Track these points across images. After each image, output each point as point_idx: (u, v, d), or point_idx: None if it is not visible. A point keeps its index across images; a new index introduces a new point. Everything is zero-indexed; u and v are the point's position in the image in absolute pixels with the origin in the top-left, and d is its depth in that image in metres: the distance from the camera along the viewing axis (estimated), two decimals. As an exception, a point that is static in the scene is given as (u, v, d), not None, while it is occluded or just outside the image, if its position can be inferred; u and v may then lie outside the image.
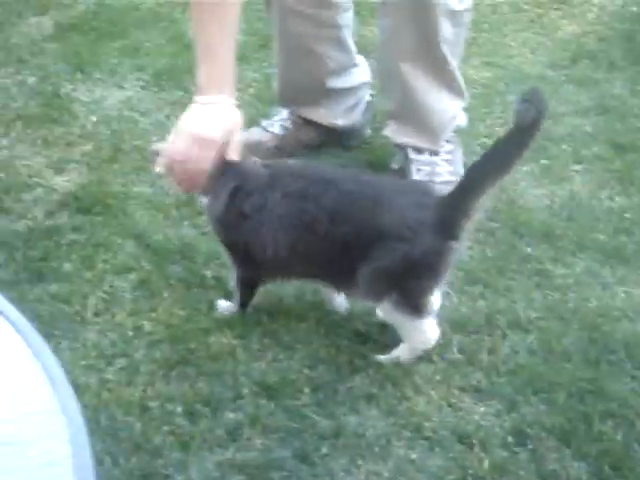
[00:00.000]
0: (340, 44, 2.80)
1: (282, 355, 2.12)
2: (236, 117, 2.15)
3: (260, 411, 1.97)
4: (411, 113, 2.68)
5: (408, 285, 2.04)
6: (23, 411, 0.95)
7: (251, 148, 2.56)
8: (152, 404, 1.98)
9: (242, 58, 3.24)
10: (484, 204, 2.03)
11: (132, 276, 2.34)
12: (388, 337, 2.15)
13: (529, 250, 2.44)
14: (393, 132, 2.74)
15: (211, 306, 2.25)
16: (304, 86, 2.82)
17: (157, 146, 2.21)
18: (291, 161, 2.70)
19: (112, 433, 1.89)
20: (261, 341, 2.16)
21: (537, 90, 2.05)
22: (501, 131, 2.88)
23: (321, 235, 2.06)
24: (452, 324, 2.19)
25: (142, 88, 3.12)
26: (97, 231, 2.47)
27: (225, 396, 2.01)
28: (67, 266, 2.36)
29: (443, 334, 2.16)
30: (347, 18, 2.80)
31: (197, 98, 2.13)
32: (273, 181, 2.12)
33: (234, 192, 2.13)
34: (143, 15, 3.55)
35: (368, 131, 2.93)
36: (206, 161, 2.10)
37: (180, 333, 2.17)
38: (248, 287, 2.23)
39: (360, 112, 2.91)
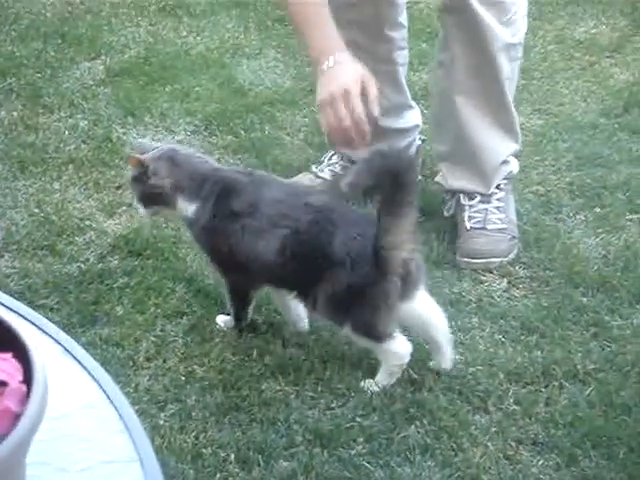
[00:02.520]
0: (395, 82, 2.78)
1: (335, 403, 2.10)
2: (363, 68, 2.21)
3: (314, 460, 1.94)
4: (463, 153, 2.66)
5: (357, 313, 2.09)
6: (98, 459, 0.94)
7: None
8: (205, 451, 1.96)
9: (292, 103, 3.27)
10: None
11: (183, 320, 2.33)
12: (444, 385, 2.12)
13: (585, 300, 2.40)
14: (444, 176, 2.72)
15: (263, 352, 2.23)
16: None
17: (137, 142, 2.29)
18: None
19: (164, 477, 1.87)
20: (314, 388, 2.13)
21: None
22: (554, 179, 2.88)
23: (295, 244, 2.11)
24: (508, 374, 2.16)
25: (192, 132, 3.13)
26: (148, 275, 2.46)
27: (278, 444, 1.99)
28: (119, 310, 2.35)
29: (498, 384, 2.13)
30: (403, 56, 2.79)
31: (322, 67, 2.19)
32: (257, 185, 2.19)
33: (222, 195, 2.18)
34: (193, 60, 3.57)
35: (418, 177, 2.91)
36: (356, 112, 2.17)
37: (232, 379, 2.15)
38: (239, 297, 2.26)
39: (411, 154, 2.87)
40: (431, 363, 2.19)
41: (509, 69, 2.58)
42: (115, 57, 3.56)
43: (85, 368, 1.08)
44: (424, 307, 2.15)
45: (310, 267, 2.11)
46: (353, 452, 1.97)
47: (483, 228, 2.60)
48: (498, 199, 2.67)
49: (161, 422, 2.03)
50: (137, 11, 3.91)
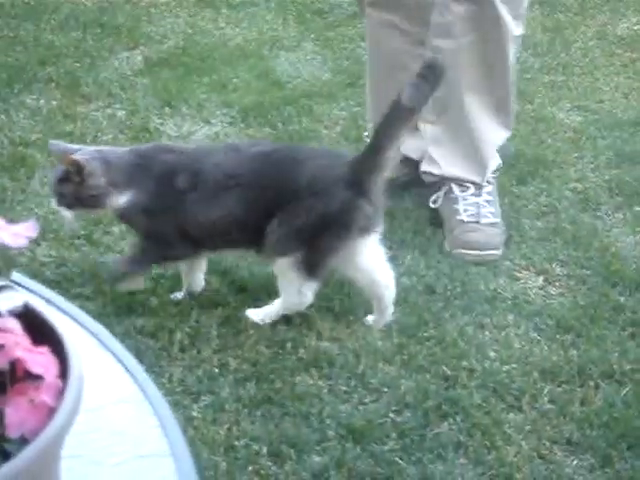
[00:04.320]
0: None
1: (368, 398, 2.09)
2: None
3: (346, 455, 1.94)
4: (463, 140, 2.65)
5: (317, 242, 2.17)
6: (132, 453, 0.94)
7: None
8: (237, 444, 1.96)
9: (329, 96, 3.26)
10: (391, 162, 2.19)
11: (217, 312, 2.33)
12: (477, 382, 2.11)
13: (622, 299, 2.38)
14: (436, 163, 2.68)
15: (296, 345, 2.23)
16: None
17: (55, 144, 2.28)
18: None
19: (197, 472, 1.87)
20: (347, 383, 2.13)
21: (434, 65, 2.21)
22: (592, 176, 2.85)
23: (250, 196, 2.18)
24: (542, 373, 2.15)
25: (229, 124, 3.13)
26: (184, 266, 2.47)
27: (311, 438, 1.98)
28: (154, 300, 2.35)
29: (533, 383, 2.11)
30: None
31: None
32: (191, 159, 2.24)
33: (162, 175, 2.21)
34: (231, 51, 3.57)
35: None
36: None
37: (265, 371, 2.15)
38: (159, 260, 2.35)
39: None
40: (369, 318, 2.27)
41: (514, 60, 2.61)
42: (153, 47, 3.57)
43: (120, 360, 1.09)
44: (373, 254, 2.23)
45: (271, 206, 2.18)
46: (386, 448, 1.96)
47: (477, 222, 2.59)
48: (488, 192, 2.66)
49: (194, 413, 2.03)
50: (176, 2, 3.92)
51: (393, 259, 2.51)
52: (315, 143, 2.98)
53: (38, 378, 0.77)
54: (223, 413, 2.04)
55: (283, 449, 1.95)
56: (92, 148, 2.31)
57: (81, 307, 1.96)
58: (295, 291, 2.24)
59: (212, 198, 2.20)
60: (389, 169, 2.20)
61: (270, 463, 1.92)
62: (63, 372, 0.79)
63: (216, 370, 2.16)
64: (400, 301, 2.36)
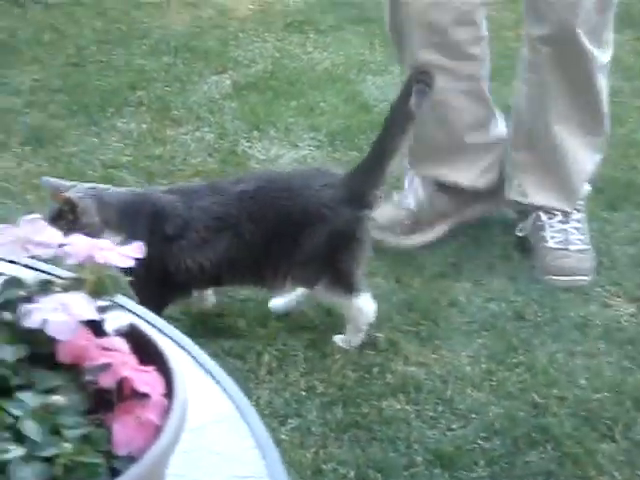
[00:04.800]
0: (479, 96, 2.68)
1: (456, 424, 2.07)
2: None
3: (434, 481, 1.92)
4: (554, 168, 2.62)
5: (337, 263, 2.20)
6: (230, 474, 0.94)
7: (385, 228, 2.57)
8: (324, 467, 1.96)
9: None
10: (389, 172, 2.25)
11: (305, 335, 2.34)
12: (568, 410, 2.08)
13: None
14: (523, 191, 2.65)
15: (383, 370, 2.22)
16: (440, 143, 2.69)
17: (47, 180, 2.25)
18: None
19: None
20: (435, 408, 2.11)
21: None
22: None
23: (245, 236, 2.19)
24: (636, 402, 2.11)
25: (316, 148, 3.14)
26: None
27: (398, 463, 1.97)
28: (241, 322, 2.37)
29: (626, 412, 2.07)
30: (485, 69, 2.69)
31: None
32: (185, 201, 2.22)
33: (151, 221, 2.19)
34: (319, 75, 3.59)
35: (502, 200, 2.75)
36: None
37: (352, 395, 2.15)
38: (161, 310, 2.24)
39: (497, 172, 2.75)
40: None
41: (605, 86, 2.57)
42: (242, 71, 3.60)
43: (217, 381, 1.09)
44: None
45: (275, 242, 2.20)
46: (474, 475, 1.94)
47: (566, 249, 2.56)
48: (577, 220, 2.63)
49: (282, 436, 2.03)
50: (264, 27, 3.95)
51: (480, 284, 2.50)
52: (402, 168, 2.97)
53: (144, 397, 0.78)
54: (310, 436, 2.04)
55: (370, 474, 1.95)
56: (87, 185, 2.25)
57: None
58: (350, 311, 2.26)
59: (203, 243, 2.20)
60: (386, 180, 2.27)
61: (358, 485, 1.91)
62: (168, 391, 0.80)
63: (303, 393, 2.16)
64: (488, 327, 2.35)
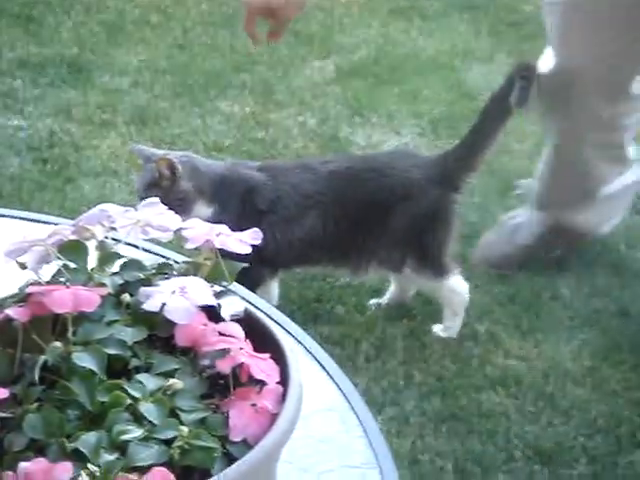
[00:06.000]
0: (621, 159, 2.50)
1: (557, 420, 2.04)
2: None
3: (533, 477, 1.89)
4: None
5: (424, 244, 2.18)
6: (338, 463, 0.93)
7: (492, 262, 2.49)
8: (422, 458, 1.95)
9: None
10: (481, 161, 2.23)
11: (404, 324, 2.32)
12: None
13: None
14: None
15: (483, 362, 2.20)
16: (572, 194, 2.52)
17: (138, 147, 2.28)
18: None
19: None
20: (535, 403, 2.08)
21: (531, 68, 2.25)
22: None
23: (332, 215, 2.18)
24: None
25: (419, 135, 3.11)
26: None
27: (497, 457, 1.95)
28: (340, 309, 2.36)
29: None
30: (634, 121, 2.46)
31: None
32: (276, 177, 2.22)
33: (244, 195, 2.19)
34: (423, 62, 3.55)
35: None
36: None
37: (451, 387, 2.13)
38: (254, 287, 2.20)
39: (622, 213, 2.59)
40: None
41: None
42: (345, 57, 3.59)
43: (324, 369, 1.08)
44: None
45: (362, 222, 2.19)
46: (575, 473, 1.91)
47: None
48: None
49: (378, 425, 2.02)
50: (369, 12, 3.93)
51: (584, 278, 2.45)
52: (506, 158, 2.93)
53: (260, 383, 0.78)
54: (407, 426, 2.03)
55: (468, 466, 1.93)
56: (179, 153, 2.26)
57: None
58: (442, 291, 2.24)
59: (292, 219, 2.20)
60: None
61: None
62: (282, 378, 0.79)
63: (401, 382, 2.15)
64: (592, 322, 2.30)
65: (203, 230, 0.84)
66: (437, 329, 2.28)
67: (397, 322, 2.33)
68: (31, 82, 3.31)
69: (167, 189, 2.15)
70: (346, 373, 2.17)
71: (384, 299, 2.38)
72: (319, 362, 1.10)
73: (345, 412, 1.01)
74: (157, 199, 0.86)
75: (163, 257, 1.04)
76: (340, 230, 2.21)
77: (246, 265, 0.85)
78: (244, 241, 0.84)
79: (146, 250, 1.07)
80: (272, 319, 1.13)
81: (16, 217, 1.27)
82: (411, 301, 2.39)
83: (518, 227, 2.56)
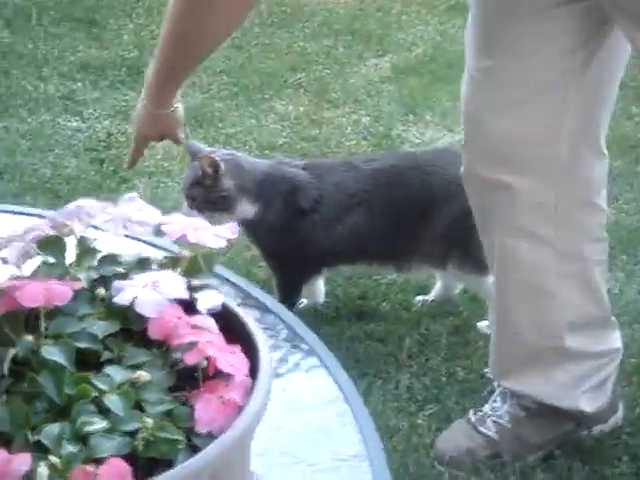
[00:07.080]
0: (587, 286, 1.87)
1: (600, 418, 2.01)
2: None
3: (573, 474, 1.87)
4: None
5: (466, 241, 2.11)
6: (334, 455, 0.94)
7: (453, 461, 1.91)
8: (460, 455, 1.94)
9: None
10: None
11: (448, 321, 2.32)
12: None
13: None
14: None
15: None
16: (533, 345, 1.88)
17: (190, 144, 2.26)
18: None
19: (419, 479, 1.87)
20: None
21: None
22: None
23: (376, 213, 2.20)
24: None
25: (473, 132, 3.09)
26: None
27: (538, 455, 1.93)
28: (385, 306, 2.37)
29: None
30: (600, 251, 1.90)
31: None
32: (319, 176, 2.22)
33: (287, 194, 2.19)
34: (479, 59, 3.52)
35: (618, 420, 2.00)
36: None
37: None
38: (299, 285, 2.28)
39: (608, 391, 1.96)
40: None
41: None
42: (402, 55, 3.59)
43: (323, 362, 1.08)
44: None
45: (405, 220, 2.20)
46: (616, 471, 1.89)
47: None
48: None
49: (419, 421, 2.02)
50: (427, 9, 3.92)
51: (633, 275, 2.42)
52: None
53: (229, 376, 0.79)
54: (449, 423, 2.02)
55: (508, 463, 1.91)
56: (225, 151, 2.29)
57: (303, 314, 2.00)
58: (485, 287, 2.18)
59: (335, 217, 2.21)
60: None
61: (492, 476, 1.88)
62: (254, 370, 0.80)
63: (443, 379, 2.14)
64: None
65: (181, 225, 0.86)
66: (482, 325, 2.27)
67: (442, 319, 2.32)
68: (91, 84, 3.37)
69: (209, 187, 2.17)
70: (388, 369, 2.18)
71: (430, 296, 2.37)
72: (318, 355, 1.10)
73: (341, 405, 1.02)
74: (136, 195, 0.86)
75: (169, 252, 1.06)
76: (383, 228, 2.21)
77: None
78: (220, 235, 0.85)
79: (153, 245, 1.09)
80: (270, 311, 1.14)
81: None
82: (457, 298, 2.39)
83: (486, 414, 1.99)
